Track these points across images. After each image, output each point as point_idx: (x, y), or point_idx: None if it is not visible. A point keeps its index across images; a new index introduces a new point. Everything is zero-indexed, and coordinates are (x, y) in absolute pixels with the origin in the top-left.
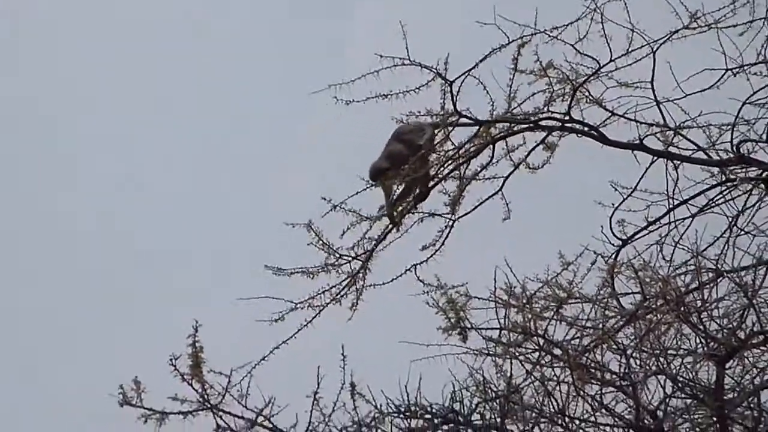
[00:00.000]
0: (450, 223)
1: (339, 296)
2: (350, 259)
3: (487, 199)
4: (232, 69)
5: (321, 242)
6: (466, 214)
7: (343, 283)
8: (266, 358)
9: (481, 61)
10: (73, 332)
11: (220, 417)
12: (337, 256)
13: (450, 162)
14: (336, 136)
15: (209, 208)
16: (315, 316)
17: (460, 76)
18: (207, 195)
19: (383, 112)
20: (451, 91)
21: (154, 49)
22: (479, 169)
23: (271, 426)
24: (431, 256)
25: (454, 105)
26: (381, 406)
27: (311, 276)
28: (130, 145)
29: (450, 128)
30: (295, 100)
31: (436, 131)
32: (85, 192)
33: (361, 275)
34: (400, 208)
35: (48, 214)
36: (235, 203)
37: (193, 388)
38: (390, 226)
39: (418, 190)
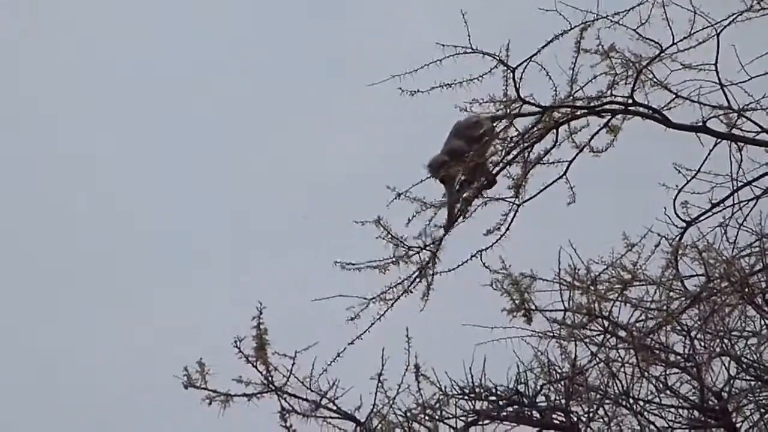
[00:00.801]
0: (514, 208)
1: (410, 288)
2: (419, 249)
3: (551, 183)
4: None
5: (390, 235)
6: (531, 198)
7: (413, 275)
8: (341, 354)
9: (543, 47)
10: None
11: (285, 399)
12: (407, 247)
13: (514, 147)
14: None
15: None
16: (387, 309)
17: (522, 63)
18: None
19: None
20: (514, 78)
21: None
22: (543, 153)
23: (335, 408)
24: (497, 241)
25: (518, 91)
26: (445, 387)
27: (383, 271)
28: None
29: (513, 114)
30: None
31: (494, 123)
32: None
33: (430, 265)
34: (465, 195)
35: (47, 195)
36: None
37: (258, 370)
38: (457, 220)
39: (482, 180)
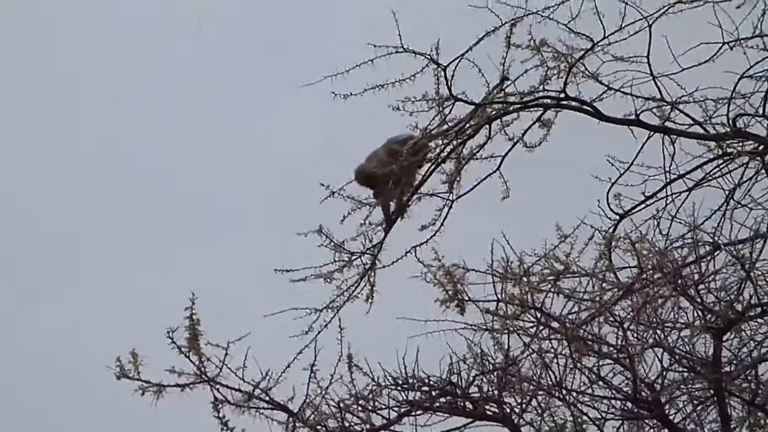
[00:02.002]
0: (449, 203)
1: (355, 294)
2: (360, 254)
3: (485, 178)
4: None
5: (333, 244)
6: (465, 193)
7: (358, 280)
8: (290, 365)
9: (474, 44)
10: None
11: (218, 390)
12: (349, 253)
13: (447, 143)
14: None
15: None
16: (333, 317)
17: (453, 60)
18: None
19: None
20: (446, 76)
21: None
22: (476, 148)
23: (268, 399)
24: (432, 236)
25: (449, 89)
26: (378, 378)
27: (328, 279)
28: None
29: (446, 111)
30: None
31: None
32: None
33: (372, 269)
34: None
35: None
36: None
37: (191, 361)
38: (394, 221)
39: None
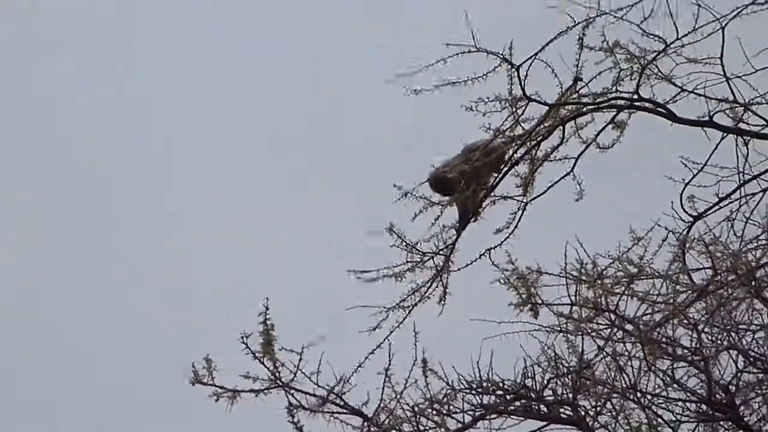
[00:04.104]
0: (522, 206)
1: (427, 294)
2: (433, 254)
3: (559, 180)
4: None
5: (405, 244)
6: (539, 195)
7: (429, 281)
8: (362, 365)
9: (547, 44)
10: None
11: (292, 395)
12: (421, 253)
13: (521, 145)
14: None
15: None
16: (405, 317)
17: (526, 60)
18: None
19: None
20: (518, 76)
21: None
22: (550, 150)
23: (342, 403)
24: (505, 239)
25: (523, 89)
26: (453, 382)
27: (398, 279)
28: None
29: (520, 112)
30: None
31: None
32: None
33: (445, 270)
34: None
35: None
36: None
37: (265, 366)
38: (467, 221)
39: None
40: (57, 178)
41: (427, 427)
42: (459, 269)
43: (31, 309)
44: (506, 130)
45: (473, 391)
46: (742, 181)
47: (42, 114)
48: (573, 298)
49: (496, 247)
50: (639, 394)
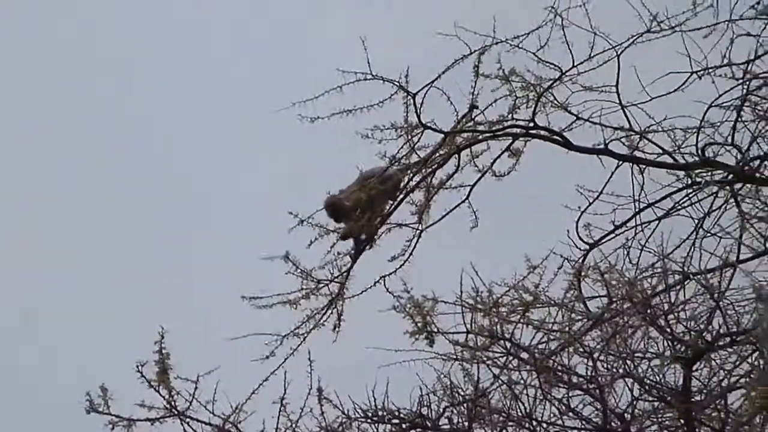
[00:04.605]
0: (417, 233)
1: (322, 321)
2: (328, 282)
3: (454, 208)
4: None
5: (299, 270)
6: (434, 223)
7: (324, 308)
8: (256, 391)
9: (443, 72)
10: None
11: (188, 423)
12: (316, 281)
13: (416, 173)
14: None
15: None
16: (300, 344)
17: (422, 89)
18: None
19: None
20: (414, 104)
21: None
22: (446, 178)
23: None
24: (400, 266)
25: (419, 117)
26: (348, 411)
27: (294, 306)
28: None
29: (415, 140)
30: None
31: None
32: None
33: (340, 296)
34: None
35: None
36: None
37: (160, 395)
38: (362, 249)
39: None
40: None
41: None
42: (354, 296)
43: None
44: (402, 157)
45: (369, 420)
46: (637, 209)
47: None
48: (468, 326)
49: (390, 274)
50: (535, 423)
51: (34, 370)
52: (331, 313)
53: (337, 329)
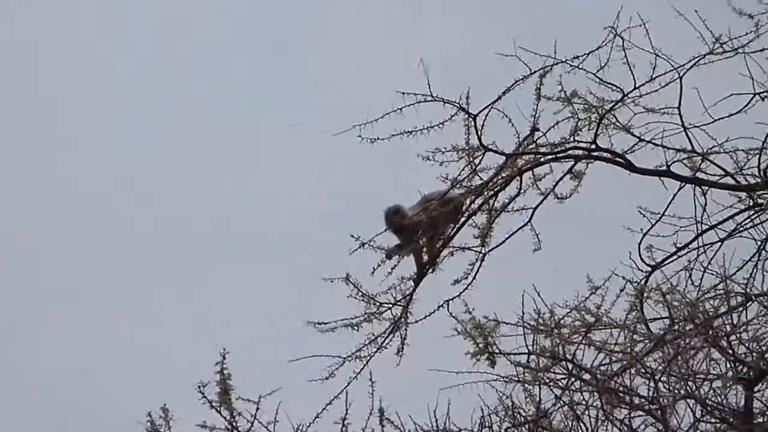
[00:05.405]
0: (480, 257)
1: (384, 344)
2: (390, 305)
3: (516, 230)
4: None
5: (360, 293)
6: (497, 246)
7: (387, 331)
8: (320, 415)
9: (504, 93)
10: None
11: None
12: (378, 303)
13: (479, 195)
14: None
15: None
16: (363, 367)
17: (483, 109)
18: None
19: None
20: (476, 125)
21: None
22: (508, 201)
23: None
24: (464, 290)
25: (479, 138)
26: None
27: (355, 328)
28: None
29: (477, 162)
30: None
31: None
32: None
33: (403, 320)
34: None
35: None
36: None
37: (222, 416)
38: (425, 273)
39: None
40: None
41: None
42: (418, 321)
43: None
44: (463, 179)
45: None
46: (699, 231)
47: None
48: (530, 347)
49: (454, 298)
50: None
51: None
52: (394, 336)
53: (401, 353)
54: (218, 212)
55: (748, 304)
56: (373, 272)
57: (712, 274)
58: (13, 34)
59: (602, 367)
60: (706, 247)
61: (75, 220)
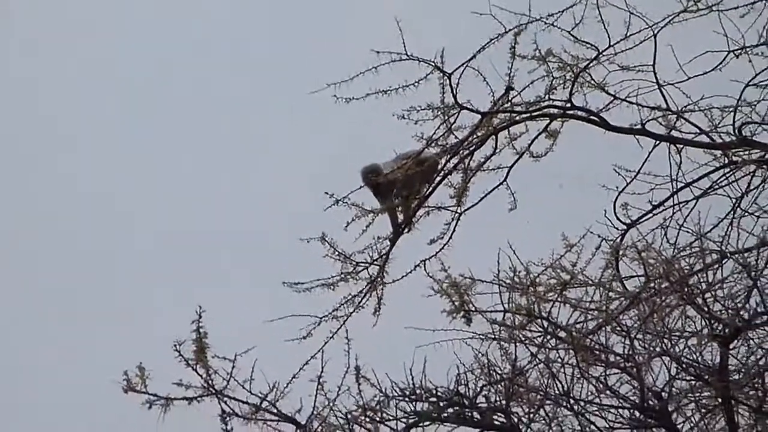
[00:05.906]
0: (456, 216)
1: (361, 304)
2: (367, 265)
3: (492, 190)
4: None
5: (337, 253)
6: (473, 206)
7: (363, 291)
8: (296, 376)
9: (478, 51)
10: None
11: (225, 402)
12: (354, 263)
13: (454, 154)
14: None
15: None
16: (340, 327)
17: (458, 68)
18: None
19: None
20: (450, 84)
21: None
22: (483, 160)
23: (275, 411)
24: (440, 250)
25: (455, 97)
26: (386, 389)
27: (332, 288)
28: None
29: (452, 120)
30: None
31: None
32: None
33: (379, 280)
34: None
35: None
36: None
37: (198, 374)
38: (400, 231)
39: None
40: None
41: None
42: (394, 281)
43: None
44: (438, 138)
45: (406, 399)
46: (675, 189)
47: None
48: (506, 305)
49: (430, 258)
50: (572, 401)
51: (70, 350)
52: (371, 296)
53: (377, 313)
54: (218, 212)
55: (723, 262)
56: (346, 227)
57: (688, 231)
58: (13, 34)
59: (578, 325)
60: (681, 205)
61: (75, 220)
